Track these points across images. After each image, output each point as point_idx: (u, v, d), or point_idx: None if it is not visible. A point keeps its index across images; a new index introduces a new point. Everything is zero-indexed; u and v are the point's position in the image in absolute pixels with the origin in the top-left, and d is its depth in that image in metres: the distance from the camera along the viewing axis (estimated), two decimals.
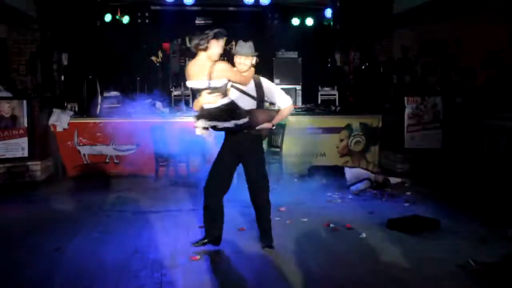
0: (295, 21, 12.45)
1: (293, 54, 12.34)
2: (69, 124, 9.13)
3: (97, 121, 9.29)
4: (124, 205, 7.05)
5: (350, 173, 8.38)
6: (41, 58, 11.27)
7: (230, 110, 4.70)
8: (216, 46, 4.66)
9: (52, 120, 9.08)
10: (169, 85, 11.61)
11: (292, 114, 9.90)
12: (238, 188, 7.62)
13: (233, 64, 4.97)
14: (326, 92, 11.82)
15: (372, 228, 5.81)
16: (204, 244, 5.11)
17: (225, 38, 4.71)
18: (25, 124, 8.51)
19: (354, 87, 11.63)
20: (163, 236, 5.55)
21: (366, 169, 9.03)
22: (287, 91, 11.56)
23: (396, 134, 9.32)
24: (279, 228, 5.82)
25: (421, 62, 11.37)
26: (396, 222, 5.88)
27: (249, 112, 4.81)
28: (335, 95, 11.71)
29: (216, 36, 4.63)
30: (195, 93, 4.90)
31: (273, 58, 12.25)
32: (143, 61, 12.53)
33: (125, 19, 11.64)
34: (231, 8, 12.21)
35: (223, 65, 4.70)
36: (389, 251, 5.03)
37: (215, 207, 5.06)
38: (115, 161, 9.28)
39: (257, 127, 4.94)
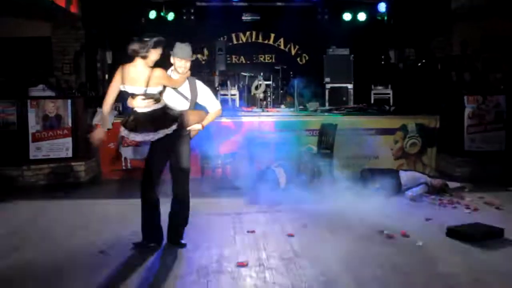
0: (347, 16, 12.31)
1: (345, 51, 12.21)
2: (113, 124, 9.28)
3: None
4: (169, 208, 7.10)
5: (405, 176, 8.22)
6: (85, 57, 11.54)
7: (161, 117, 4.98)
8: (154, 54, 4.99)
9: (96, 120, 9.25)
10: (215, 84, 11.67)
11: (343, 115, 9.85)
12: (286, 194, 7.63)
13: (170, 65, 5.35)
14: (380, 91, 11.66)
15: (430, 236, 5.67)
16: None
17: (162, 47, 5.04)
18: (70, 124, 8.72)
19: (410, 85, 11.42)
20: (209, 241, 5.57)
21: (423, 173, 8.84)
22: (338, 89, 11.69)
23: (455, 136, 9.13)
24: (330, 233, 5.77)
25: (482, 59, 11.09)
26: (456, 230, 5.72)
27: (181, 113, 5.15)
28: (389, 94, 11.54)
29: (156, 46, 4.97)
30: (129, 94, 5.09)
31: (324, 55, 12.16)
32: None
33: (170, 16, 11.78)
34: (279, 3, 12.17)
35: (160, 73, 5.01)
36: (448, 261, 4.90)
37: (152, 202, 5.26)
38: None
39: (188, 128, 5.29)
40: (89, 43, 11.51)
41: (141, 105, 4.94)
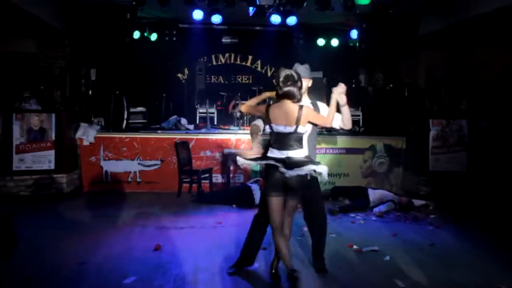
0: (321, 42, 12.44)
1: (318, 74, 12.30)
2: (95, 138, 9.21)
3: (123, 136, 9.39)
4: (147, 220, 7.06)
5: (373, 194, 8.30)
6: (70, 73, 11.41)
7: None
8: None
9: (79, 134, 9.18)
10: (194, 102, 11.66)
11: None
12: None
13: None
14: (350, 113, 11.71)
15: (396, 251, 5.71)
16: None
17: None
18: (53, 137, 8.61)
19: (378, 108, 11.53)
20: (185, 252, 5.52)
21: (390, 191, 8.91)
22: None
23: (420, 156, 9.21)
24: (302, 248, 5.76)
25: (447, 85, 11.25)
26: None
27: None
28: (359, 115, 11.63)
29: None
30: None
31: None
32: (169, 78, 12.65)
33: (153, 37, 11.75)
34: (257, 28, 12.25)
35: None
36: (414, 275, 4.93)
37: None
38: (138, 180, 9.29)
39: None
40: (74, 60, 11.40)
41: None
